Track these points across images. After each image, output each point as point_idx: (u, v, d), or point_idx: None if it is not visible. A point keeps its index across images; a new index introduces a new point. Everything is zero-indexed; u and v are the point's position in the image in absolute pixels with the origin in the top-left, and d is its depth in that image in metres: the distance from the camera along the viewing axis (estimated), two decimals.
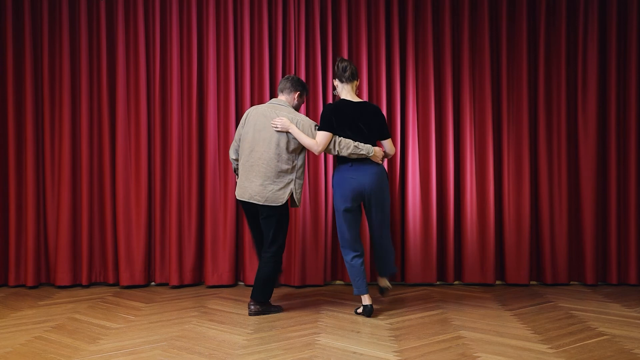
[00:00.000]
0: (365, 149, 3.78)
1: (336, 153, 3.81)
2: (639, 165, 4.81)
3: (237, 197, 3.94)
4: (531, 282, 4.86)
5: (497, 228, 4.86)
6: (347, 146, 3.77)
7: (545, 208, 4.80)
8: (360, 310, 3.92)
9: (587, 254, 4.79)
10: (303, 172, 3.90)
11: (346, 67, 3.84)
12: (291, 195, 3.84)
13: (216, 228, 4.78)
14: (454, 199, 4.84)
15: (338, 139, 3.79)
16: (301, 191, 3.89)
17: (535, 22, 4.86)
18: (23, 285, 4.83)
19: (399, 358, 3.05)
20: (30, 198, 4.75)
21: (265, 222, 3.88)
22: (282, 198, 3.81)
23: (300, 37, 4.77)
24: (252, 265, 4.76)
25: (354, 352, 3.15)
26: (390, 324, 3.71)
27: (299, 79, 4.01)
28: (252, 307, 3.90)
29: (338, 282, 4.93)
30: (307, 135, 3.79)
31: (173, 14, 4.77)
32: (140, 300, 4.36)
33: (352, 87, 3.89)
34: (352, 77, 3.86)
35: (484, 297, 4.42)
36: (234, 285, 4.83)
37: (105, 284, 4.89)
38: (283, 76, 4.55)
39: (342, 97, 3.90)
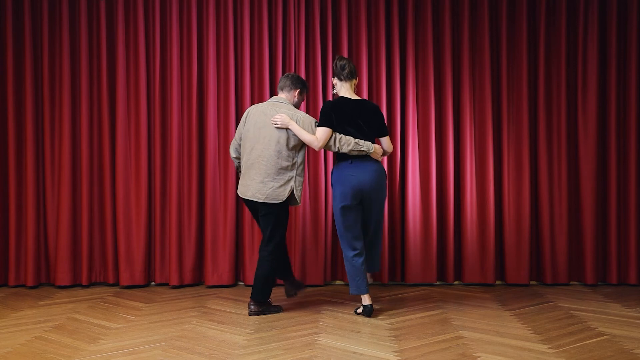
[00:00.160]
0: (365, 145, 3.78)
1: (337, 149, 3.80)
2: (639, 165, 4.81)
3: (240, 195, 3.95)
4: (531, 282, 4.86)
5: (497, 228, 4.86)
6: (347, 143, 3.77)
7: (545, 208, 4.80)
8: (360, 310, 3.92)
9: (587, 254, 4.79)
10: (303, 169, 3.91)
11: (345, 65, 3.84)
12: (291, 192, 3.85)
13: (216, 228, 4.78)
14: (454, 199, 4.83)
15: (338, 135, 3.79)
16: (301, 188, 3.89)
17: (535, 22, 4.86)
18: (23, 285, 4.84)
19: (399, 358, 3.05)
20: (30, 198, 4.76)
21: (264, 220, 3.89)
22: (282, 195, 3.81)
23: (300, 37, 4.77)
24: (251, 265, 4.76)
25: (354, 352, 3.15)
26: (390, 324, 3.70)
27: (298, 77, 4.01)
28: (252, 307, 3.91)
29: (338, 282, 4.93)
30: (308, 132, 3.80)
31: (173, 14, 4.77)
32: (140, 300, 4.36)
33: (351, 85, 3.89)
34: (350, 75, 3.86)
35: (484, 297, 4.42)
36: (234, 285, 4.83)
37: (105, 284, 4.89)
38: None
39: (340, 95, 3.90)
